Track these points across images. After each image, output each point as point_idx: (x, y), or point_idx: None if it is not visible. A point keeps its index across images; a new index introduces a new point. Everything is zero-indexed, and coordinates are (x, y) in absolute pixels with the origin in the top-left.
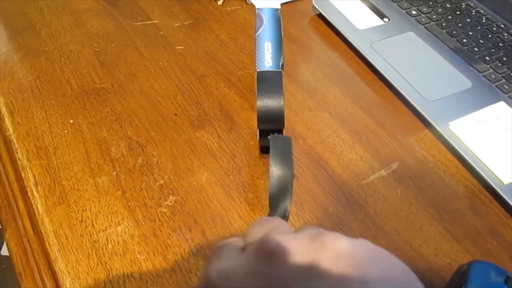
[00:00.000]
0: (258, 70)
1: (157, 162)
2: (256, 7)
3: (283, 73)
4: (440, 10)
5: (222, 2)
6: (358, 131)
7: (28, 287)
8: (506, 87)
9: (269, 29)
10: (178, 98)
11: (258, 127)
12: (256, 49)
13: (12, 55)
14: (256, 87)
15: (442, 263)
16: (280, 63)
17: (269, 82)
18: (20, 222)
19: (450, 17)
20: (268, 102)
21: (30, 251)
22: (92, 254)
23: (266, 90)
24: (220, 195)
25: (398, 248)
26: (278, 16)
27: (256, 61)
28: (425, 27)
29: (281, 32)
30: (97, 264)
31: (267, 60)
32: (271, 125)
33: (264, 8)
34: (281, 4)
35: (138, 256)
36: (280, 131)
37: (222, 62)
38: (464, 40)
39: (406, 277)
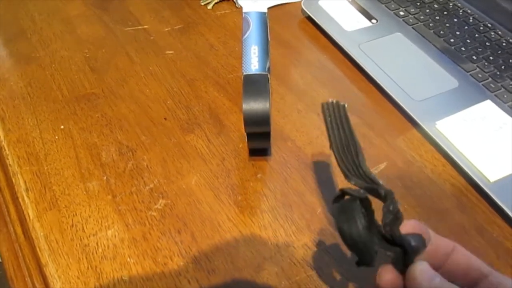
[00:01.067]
0: (244, 73)
1: (147, 166)
2: (243, 11)
3: (269, 76)
4: (427, 10)
5: (212, 6)
6: None
7: None
8: (493, 86)
9: (256, 33)
10: (168, 102)
11: (244, 130)
12: (243, 52)
13: (3, 61)
14: (242, 90)
15: None
16: (267, 66)
17: (255, 85)
18: (12, 228)
19: (437, 18)
20: (254, 105)
21: (21, 256)
22: (83, 258)
23: (252, 93)
24: (209, 198)
25: None
26: (265, 20)
27: (243, 65)
28: (412, 27)
29: (267, 36)
30: (88, 268)
31: (253, 64)
32: (257, 128)
33: (251, 12)
34: (270, 8)
35: (128, 260)
36: (266, 134)
37: (212, 65)
38: (452, 40)
39: None
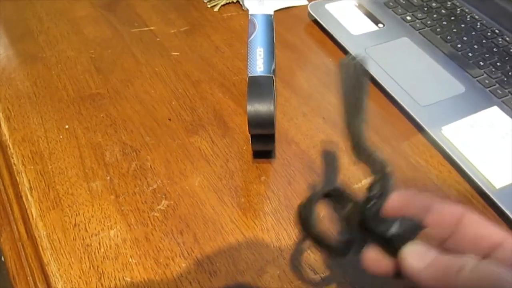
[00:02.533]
0: (249, 75)
1: (150, 166)
2: (250, 13)
3: (274, 78)
4: (434, 16)
5: (219, 9)
6: None
7: None
8: (500, 92)
9: (262, 35)
10: (173, 103)
11: (248, 131)
12: (249, 54)
13: (10, 61)
14: (247, 92)
15: None
16: (272, 68)
17: (260, 87)
18: (15, 227)
19: (444, 23)
20: (259, 107)
21: (24, 255)
22: (85, 258)
23: (257, 95)
24: (212, 200)
25: None
26: (270, 22)
27: (248, 66)
28: (419, 32)
29: (273, 38)
30: (89, 267)
31: (258, 65)
32: (261, 130)
33: (257, 14)
34: (277, 11)
35: (130, 260)
36: (271, 136)
37: (217, 67)
38: (459, 46)
39: None
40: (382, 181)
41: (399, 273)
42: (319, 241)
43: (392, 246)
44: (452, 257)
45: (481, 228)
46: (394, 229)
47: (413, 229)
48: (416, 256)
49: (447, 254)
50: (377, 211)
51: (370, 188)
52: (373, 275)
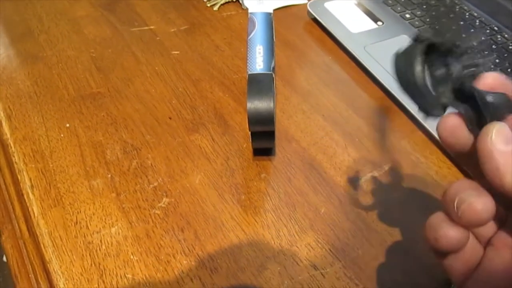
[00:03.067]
0: (249, 72)
1: (151, 164)
2: (249, 11)
3: (274, 75)
4: (433, 13)
5: (218, 8)
6: (351, 133)
7: None
8: None
9: (261, 33)
10: (173, 102)
11: (248, 129)
12: (248, 52)
13: (10, 60)
14: (247, 89)
15: (434, 264)
16: (271, 66)
17: (260, 84)
18: (16, 225)
19: (443, 20)
20: (258, 104)
21: (26, 252)
22: (86, 255)
23: (256, 92)
24: (213, 197)
25: (390, 249)
26: (270, 20)
27: (248, 64)
28: (418, 30)
29: (273, 36)
30: (91, 265)
31: (258, 63)
32: (261, 127)
33: (257, 12)
34: (276, 9)
35: (131, 257)
36: (271, 133)
37: (217, 66)
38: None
39: None
40: (477, 56)
41: (470, 154)
42: (415, 94)
43: (483, 115)
44: None
45: None
46: (490, 97)
47: (505, 107)
48: (502, 136)
49: None
50: (474, 77)
51: (465, 57)
52: (446, 145)
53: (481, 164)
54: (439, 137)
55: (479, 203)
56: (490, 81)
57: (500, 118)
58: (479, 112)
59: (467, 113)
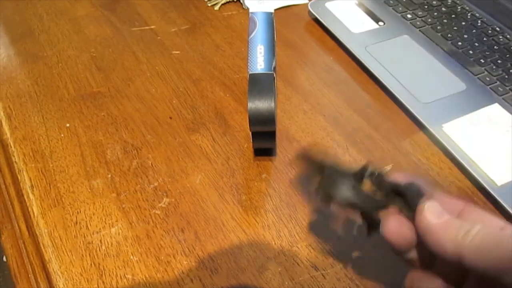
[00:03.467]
0: (250, 72)
1: (151, 164)
2: (250, 11)
3: (275, 75)
4: (435, 13)
5: (219, 7)
6: (352, 134)
7: None
8: (501, 90)
9: (262, 33)
10: (174, 102)
11: (249, 129)
12: (249, 52)
13: (11, 60)
14: (248, 89)
15: None
16: (272, 66)
17: (261, 84)
18: (16, 225)
19: (445, 21)
20: (259, 104)
21: (25, 252)
22: (86, 256)
23: (257, 92)
24: (213, 197)
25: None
26: (271, 20)
27: (249, 64)
28: (420, 30)
29: (274, 36)
30: (91, 265)
31: (259, 63)
32: (262, 127)
33: (258, 12)
34: (277, 9)
35: (131, 258)
36: (272, 133)
37: (218, 66)
38: (459, 43)
39: None
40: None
41: (418, 243)
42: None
43: (413, 203)
44: (464, 221)
45: (481, 220)
46: (410, 186)
47: (421, 192)
48: (434, 211)
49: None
50: (382, 179)
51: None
52: (395, 249)
53: (424, 241)
54: (388, 241)
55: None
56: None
57: (423, 197)
58: (407, 202)
59: (400, 204)
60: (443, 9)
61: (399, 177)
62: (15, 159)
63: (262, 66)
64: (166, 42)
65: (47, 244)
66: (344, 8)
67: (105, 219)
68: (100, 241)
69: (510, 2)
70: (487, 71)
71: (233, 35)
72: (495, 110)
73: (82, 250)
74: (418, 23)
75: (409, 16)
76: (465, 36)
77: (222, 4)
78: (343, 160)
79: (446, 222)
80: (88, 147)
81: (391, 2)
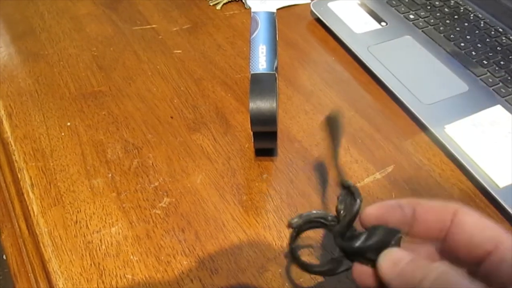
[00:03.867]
0: (251, 72)
1: (152, 164)
2: (252, 10)
3: (276, 75)
4: (438, 14)
5: (221, 7)
6: (353, 134)
7: None
8: (503, 91)
9: (264, 32)
10: (175, 101)
11: (251, 129)
12: (251, 52)
13: (12, 59)
14: (249, 89)
15: None
16: (274, 66)
17: (262, 84)
18: (16, 224)
19: (448, 21)
20: (261, 104)
21: (25, 251)
22: (86, 255)
23: (259, 92)
24: (214, 197)
25: None
26: (273, 20)
27: (251, 64)
28: (422, 31)
29: (276, 35)
30: (90, 264)
31: (261, 63)
32: (263, 127)
33: (260, 11)
34: (279, 9)
35: (131, 257)
36: (273, 134)
37: (219, 65)
38: (462, 44)
39: None
40: (348, 198)
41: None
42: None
43: (366, 258)
44: (421, 264)
45: (472, 234)
46: (361, 242)
47: (387, 236)
48: (389, 264)
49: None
50: (346, 227)
51: (337, 208)
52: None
53: None
54: (358, 284)
55: None
56: (374, 215)
57: (382, 249)
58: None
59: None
60: (446, 9)
61: (371, 213)
62: (15, 157)
63: (264, 66)
64: (167, 41)
65: (47, 243)
66: (346, 8)
67: (105, 218)
68: (100, 240)
69: None
70: (489, 72)
71: (235, 34)
72: (498, 111)
73: (82, 250)
74: (420, 23)
75: (411, 16)
76: (468, 37)
77: (224, 4)
78: (344, 160)
79: (401, 271)
80: (89, 146)
81: (394, 2)
